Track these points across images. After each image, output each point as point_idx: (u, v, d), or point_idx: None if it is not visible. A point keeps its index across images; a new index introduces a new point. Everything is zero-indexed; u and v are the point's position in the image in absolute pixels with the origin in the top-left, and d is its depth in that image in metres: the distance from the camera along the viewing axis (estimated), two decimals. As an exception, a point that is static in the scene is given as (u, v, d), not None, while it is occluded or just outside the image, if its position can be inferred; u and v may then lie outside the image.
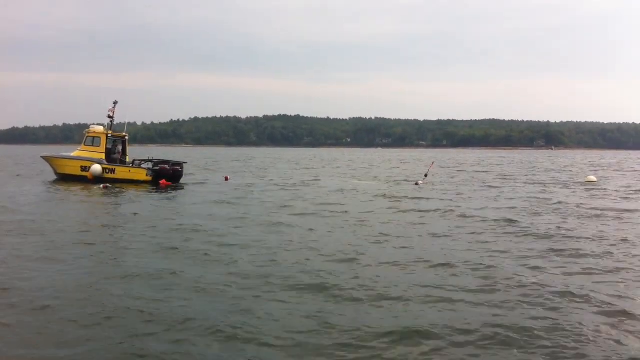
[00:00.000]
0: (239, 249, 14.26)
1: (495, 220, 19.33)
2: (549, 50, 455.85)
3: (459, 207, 23.40)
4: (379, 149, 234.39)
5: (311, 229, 17.46)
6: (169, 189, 31.93)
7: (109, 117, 35.65)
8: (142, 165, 35.42)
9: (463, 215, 20.75)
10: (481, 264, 12.51)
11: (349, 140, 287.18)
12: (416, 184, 36.51)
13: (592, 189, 33.60)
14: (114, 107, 35.71)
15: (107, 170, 33.99)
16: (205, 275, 11.54)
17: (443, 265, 12.48)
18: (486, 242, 15.42)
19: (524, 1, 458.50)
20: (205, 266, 12.43)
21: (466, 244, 15.17)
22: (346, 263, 12.68)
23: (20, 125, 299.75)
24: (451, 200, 26.67)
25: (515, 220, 19.28)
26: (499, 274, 11.61)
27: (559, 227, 17.86)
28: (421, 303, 9.76)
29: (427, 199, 27.28)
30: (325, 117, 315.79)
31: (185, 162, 37.14)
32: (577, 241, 15.47)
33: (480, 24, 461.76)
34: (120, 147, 36.05)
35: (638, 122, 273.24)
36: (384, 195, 28.88)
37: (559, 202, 25.32)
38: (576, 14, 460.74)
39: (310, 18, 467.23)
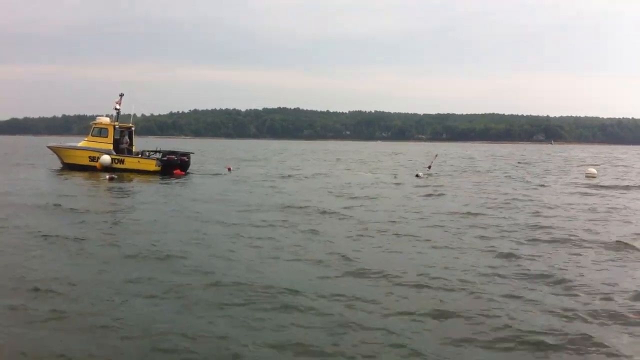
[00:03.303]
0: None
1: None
2: (548, 46, 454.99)
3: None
4: (379, 142, 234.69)
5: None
6: (180, 178, 32.83)
7: (116, 109, 36.37)
8: (151, 156, 36.07)
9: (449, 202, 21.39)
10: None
11: (348, 133, 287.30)
12: (417, 175, 37.25)
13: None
14: (120, 99, 36.44)
15: (116, 161, 34.64)
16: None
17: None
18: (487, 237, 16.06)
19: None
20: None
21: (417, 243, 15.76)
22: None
23: (20, 116, 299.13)
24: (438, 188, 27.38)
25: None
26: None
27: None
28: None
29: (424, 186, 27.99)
30: (325, 110, 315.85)
31: (192, 153, 37.79)
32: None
33: (479, 20, 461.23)
34: (127, 138, 36.70)
35: (637, 117, 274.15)
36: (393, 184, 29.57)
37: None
38: (575, 10, 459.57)
39: (308, 13, 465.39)
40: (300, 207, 20.39)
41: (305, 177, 36.06)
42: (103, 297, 9.36)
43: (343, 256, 12.36)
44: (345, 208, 20.50)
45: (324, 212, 19.09)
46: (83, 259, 12.04)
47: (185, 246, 13.30)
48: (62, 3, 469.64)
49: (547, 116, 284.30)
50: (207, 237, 14.59)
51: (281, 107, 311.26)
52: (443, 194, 25.93)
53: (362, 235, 15.12)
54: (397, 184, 31.99)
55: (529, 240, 14.70)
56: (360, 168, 47.58)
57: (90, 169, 34.43)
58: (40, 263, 11.54)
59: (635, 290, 10.05)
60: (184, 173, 34.99)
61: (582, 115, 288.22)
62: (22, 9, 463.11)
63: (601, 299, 9.67)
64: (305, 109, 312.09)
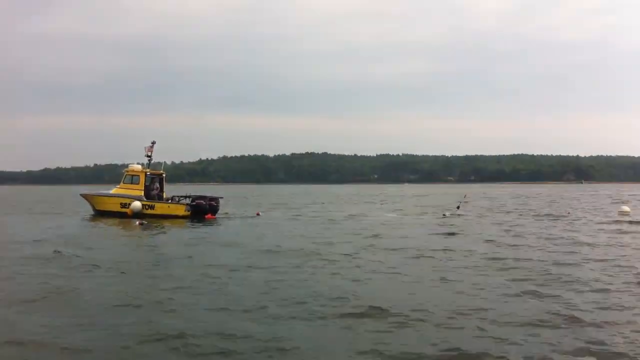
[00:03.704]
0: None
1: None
2: (576, 86, 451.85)
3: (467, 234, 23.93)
4: (406, 185, 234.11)
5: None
6: (209, 222, 33.51)
7: (147, 156, 37.22)
8: (181, 201, 36.75)
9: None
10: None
11: (376, 176, 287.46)
12: (444, 215, 37.41)
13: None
14: (152, 147, 37.30)
15: (147, 207, 35.33)
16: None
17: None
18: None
19: (548, 40, 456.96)
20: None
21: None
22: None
23: (52, 167, 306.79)
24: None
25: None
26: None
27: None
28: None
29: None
30: (353, 154, 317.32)
31: (221, 197, 38.36)
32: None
33: (506, 62, 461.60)
34: (157, 184, 37.49)
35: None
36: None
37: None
38: (602, 51, 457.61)
39: (336, 60, 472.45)
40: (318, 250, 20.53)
41: (330, 220, 35.98)
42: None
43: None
44: (369, 249, 20.58)
45: (347, 255, 18.98)
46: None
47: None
48: (95, 58, 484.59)
49: (577, 156, 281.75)
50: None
51: (309, 152, 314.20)
52: (468, 234, 25.84)
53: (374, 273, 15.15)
54: (422, 224, 31.95)
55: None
56: (387, 209, 47.55)
57: (121, 215, 35.13)
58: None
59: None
60: (214, 217, 35.60)
61: (613, 154, 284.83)
62: (57, 63, 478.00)
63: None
64: (333, 153, 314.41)
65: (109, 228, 30.84)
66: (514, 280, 14.21)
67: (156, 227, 30.47)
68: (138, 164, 37.96)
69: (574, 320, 10.40)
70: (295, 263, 17.22)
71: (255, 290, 13.10)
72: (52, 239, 24.42)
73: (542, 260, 17.37)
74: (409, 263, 17.34)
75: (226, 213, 39.11)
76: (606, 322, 10.26)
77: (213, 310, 11.30)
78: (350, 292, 12.77)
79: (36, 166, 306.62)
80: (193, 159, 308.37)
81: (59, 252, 19.58)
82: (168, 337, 9.49)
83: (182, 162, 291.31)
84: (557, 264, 16.73)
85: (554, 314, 10.82)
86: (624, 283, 13.80)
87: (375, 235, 25.45)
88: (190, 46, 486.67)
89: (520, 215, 39.84)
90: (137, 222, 31.66)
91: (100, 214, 36.90)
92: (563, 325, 10.08)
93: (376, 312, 11.03)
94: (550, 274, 15.09)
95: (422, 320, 10.51)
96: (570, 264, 16.69)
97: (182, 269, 16.40)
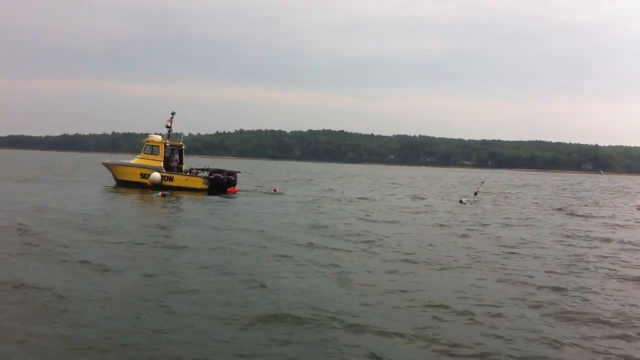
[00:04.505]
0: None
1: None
2: (598, 72, 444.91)
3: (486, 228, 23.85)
4: (423, 167, 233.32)
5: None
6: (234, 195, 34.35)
7: (167, 127, 37.27)
8: (199, 174, 37.00)
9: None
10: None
11: (392, 157, 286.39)
12: (460, 202, 37.19)
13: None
14: (172, 118, 37.34)
15: (166, 178, 35.60)
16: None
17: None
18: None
19: (569, 21, 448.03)
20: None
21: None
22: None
23: (71, 132, 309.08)
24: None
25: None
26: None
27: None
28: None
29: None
30: (369, 133, 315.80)
31: (238, 172, 38.55)
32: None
33: (526, 44, 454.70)
34: (177, 156, 37.68)
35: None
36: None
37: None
38: (625, 34, 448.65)
39: (354, 34, 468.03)
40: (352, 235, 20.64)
41: (350, 201, 36.08)
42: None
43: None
44: (391, 234, 20.65)
45: (369, 241, 18.51)
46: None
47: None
48: (110, 22, 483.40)
49: (596, 145, 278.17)
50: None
51: (326, 129, 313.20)
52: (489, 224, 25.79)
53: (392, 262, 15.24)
54: (436, 211, 31.88)
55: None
56: (404, 192, 47.50)
57: (141, 186, 35.43)
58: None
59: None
60: (238, 190, 36.27)
61: (632, 145, 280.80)
62: (67, 26, 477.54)
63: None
64: (350, 131, 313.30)
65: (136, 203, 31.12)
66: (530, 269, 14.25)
67: (177, 199, 30.82)
68: (157, 134, 38.13)
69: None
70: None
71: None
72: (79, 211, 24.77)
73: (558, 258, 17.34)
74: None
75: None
76: None
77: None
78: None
79: (55, 131, 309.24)
80: (210, 131, 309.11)
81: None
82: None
83: (199, 133, 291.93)
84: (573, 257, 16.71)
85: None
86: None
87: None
88: (207, 15, 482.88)
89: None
90: (160, 194, 32.12)
91: (121, 184, 37.15)
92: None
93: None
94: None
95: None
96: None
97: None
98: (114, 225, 19.44)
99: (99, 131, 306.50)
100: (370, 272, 13.37)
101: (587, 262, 15.68)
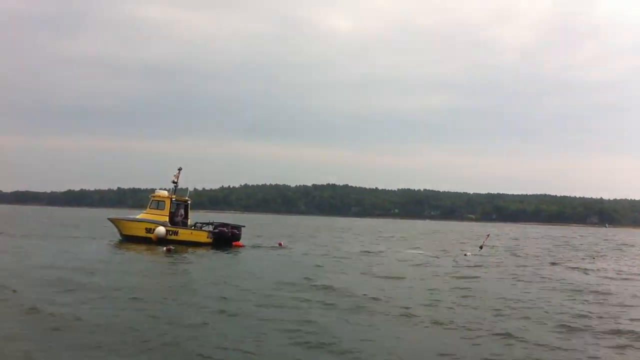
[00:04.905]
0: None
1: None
2: (600, 127, 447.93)
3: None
4: (427, 221, 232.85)
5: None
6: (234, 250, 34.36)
7: (173, 182, 37.94)
8: (203, 228, 37.36)
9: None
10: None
11: (396, 210, 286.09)
12: (465, 255, 37.19)
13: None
14: (179, 173, 38.00)
15: (170, 232, 35.98)
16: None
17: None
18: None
19: (570, 79, 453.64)
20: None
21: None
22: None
23: (76, 188, 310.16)
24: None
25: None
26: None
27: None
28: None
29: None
30: (374, 187, 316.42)
31: (243, 226, 38.89)
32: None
33: (527, 101, 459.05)
34: (182, 211, 38.19)
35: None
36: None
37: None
38: (625, 92, 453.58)
39: (356, 91, 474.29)
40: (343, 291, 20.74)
41: (348, 258, 35.55)
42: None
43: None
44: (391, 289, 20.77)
45: (368, 297, 18.31)
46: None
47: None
48: (121, 82, 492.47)
49: (601, 198, 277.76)
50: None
51: (330, 183, 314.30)
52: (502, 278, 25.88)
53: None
54: (439, 265, 31.95)
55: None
56: (408, 246, 47.54)
57: (146, 241, 35.70)
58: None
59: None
60: (243, 245, 36.55)
61: (636, 198, 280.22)
62: (85, 87, 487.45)
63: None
64: (354, 185, 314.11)
65: (139, 255, 31.31)
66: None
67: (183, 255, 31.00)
68: (163, 189, 38.77)
69: None
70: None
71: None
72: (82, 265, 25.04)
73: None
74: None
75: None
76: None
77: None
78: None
79: (59, 187, 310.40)
80: (215, 185, 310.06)
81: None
82: None
83: (203, 188, 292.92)
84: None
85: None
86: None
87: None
88: (213, 73, 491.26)
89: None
90: (165, 249, 32.25)
91: (126, 239, 37.46)
92: None
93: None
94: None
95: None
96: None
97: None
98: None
99: (104, 187, 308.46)
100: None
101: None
